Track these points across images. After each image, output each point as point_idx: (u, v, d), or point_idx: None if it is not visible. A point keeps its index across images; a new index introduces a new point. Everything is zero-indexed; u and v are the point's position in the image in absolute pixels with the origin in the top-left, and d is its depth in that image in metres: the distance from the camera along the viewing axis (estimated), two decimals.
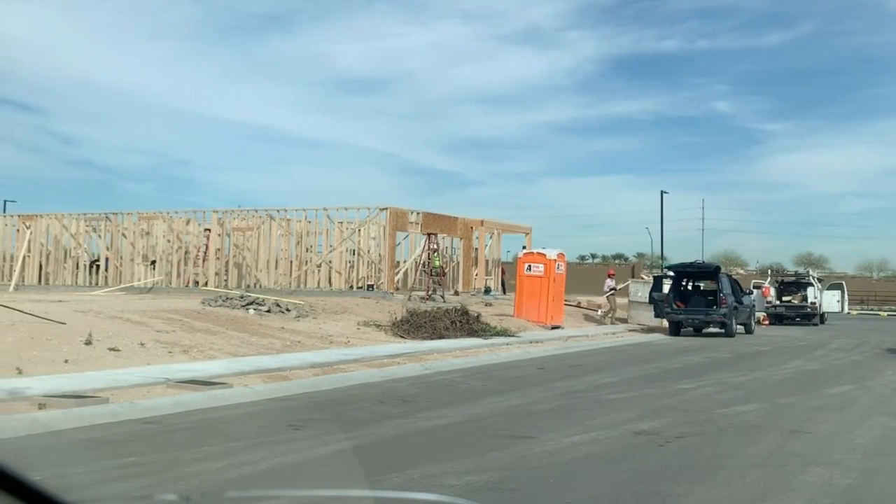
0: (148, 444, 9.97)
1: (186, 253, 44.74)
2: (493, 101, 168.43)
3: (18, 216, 50.53)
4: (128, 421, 11.40)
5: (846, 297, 57.39)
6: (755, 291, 48.16)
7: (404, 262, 43.97)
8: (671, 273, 40.29)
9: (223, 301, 28.05)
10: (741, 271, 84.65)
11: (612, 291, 42.44)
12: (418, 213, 41.52)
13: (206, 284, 41.83)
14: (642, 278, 51.25)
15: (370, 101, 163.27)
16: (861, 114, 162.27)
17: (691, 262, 40.64)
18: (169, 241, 44.68)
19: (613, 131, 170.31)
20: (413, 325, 26.84)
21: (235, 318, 24.75)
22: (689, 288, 39.82)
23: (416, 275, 43.28)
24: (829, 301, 55.05)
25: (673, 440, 10.95)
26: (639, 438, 11.04)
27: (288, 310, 27.78)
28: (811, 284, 52.86)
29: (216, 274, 42.75)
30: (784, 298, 52.87)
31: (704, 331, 37.79)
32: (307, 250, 42.70)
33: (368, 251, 41.30)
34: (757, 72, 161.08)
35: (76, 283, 46.58)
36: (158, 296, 37.08)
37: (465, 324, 27.94)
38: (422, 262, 41.98)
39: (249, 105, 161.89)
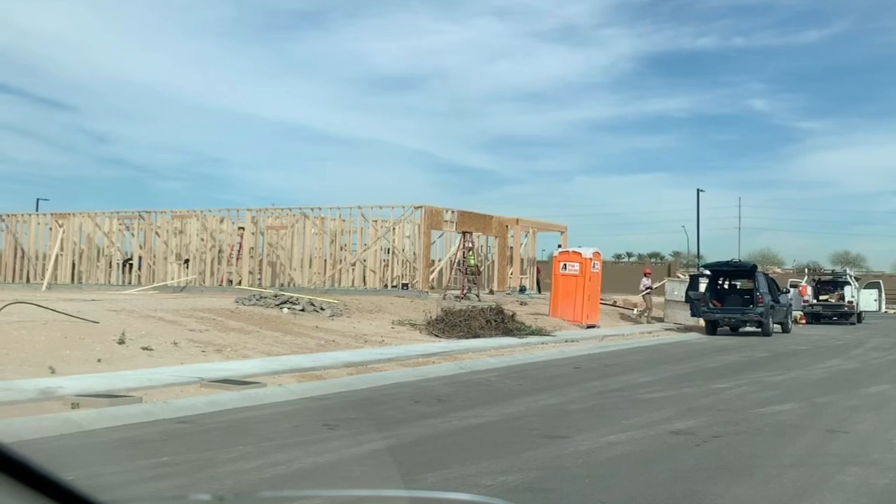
0: (181, 443, 9.99)
1: (220, 251, 44.87)
2: (529, 98, 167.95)
3: (51, 214, 50.76)
4: (161, 420, 11.44)
5: (883, 295, 57.22)
6: (792, 290, 47.88)
7: (439, 260, 44.00)
8: (707, 272, 40.17)
9: (257, 300, 28.13)
10: (778, 270, 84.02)
11: (648, 290, 42.34)
12: (453, 212, 41.52)
13: (239, 283, 41.97)
14: (678, 277, 51.11)
15: (404, 98, 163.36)
16: None
17: (728, 261, 40.54)
18: (202, 239, 44.85)
19: (649, 129, 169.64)
20: (448, 324, 26.84)
21: (269, 317, 24.82)
22: (726, 287, 39.71)
23: (450, 273, 43.26)
24: (867, 300, 54.87)
25: (709, 440, 10.89)
26: (675, 438, 10.99)
27: (322, 309, 27.84)
28: (848, 283, 52.60)
29: (250, 273, 42.89)
30: (821, 297, 52.66)
31: (741, 330, 37.65)
32: (341, 249, 42.79)
33: (403, 250, 41.35)
34: (794, 69, 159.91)
35: (109, 281, 46.82)
36: (192, 294, 37.22)
37: (500, 323, 27.92)
38: (456, 260, 41.97)
39: (283, 103, 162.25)
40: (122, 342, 17.49)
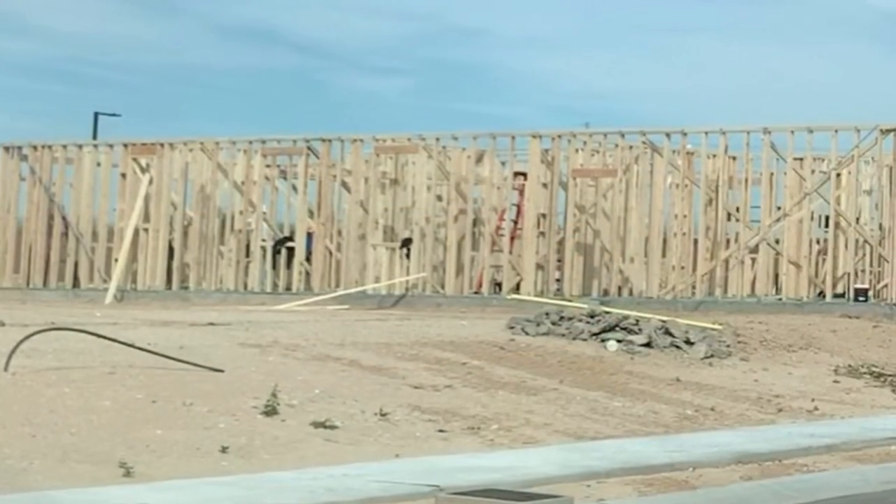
0: None
1: (476, 222, 45.17)
2: None
3: (125, 147, 51.48)
4: None
5: None
6: None
7: None
8: None
9: (552, 324, 28.33)
10: None
11: None
12: None
13: (516, 288, 42.23)
14: None
15: None
16: None
17: None
18: (439, 196, 45.27)
19: None
20: None
21: (577, 361, 24.93)
22: None
23: None
24: None
25: None
26: None
27: (688, 342, 27.85)
28: None
29: (537, 267, 43.09)
30: None
31: None
32: (728, 217, 42.54)
33: (858, 219, 40.87)
34: None
35: (245, 285, 48.04)
36: (416, 311, 37.74)
37: None
38: None
39: None
40: (271, 412, 17.69)
